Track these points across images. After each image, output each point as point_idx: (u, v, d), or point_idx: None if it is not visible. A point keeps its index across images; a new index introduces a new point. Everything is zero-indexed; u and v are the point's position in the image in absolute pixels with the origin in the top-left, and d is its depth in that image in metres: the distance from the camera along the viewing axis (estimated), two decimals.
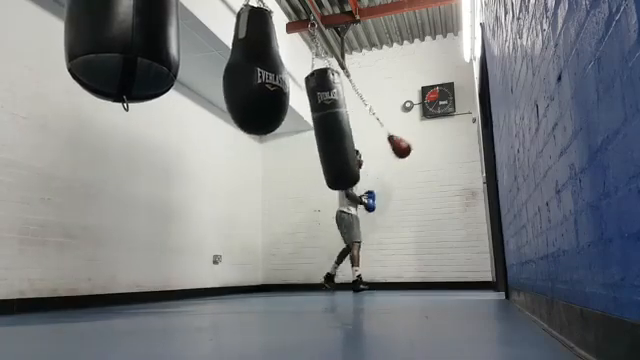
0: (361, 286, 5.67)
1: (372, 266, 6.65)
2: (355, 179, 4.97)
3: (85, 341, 1.85)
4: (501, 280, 4.23)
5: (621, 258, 0.87)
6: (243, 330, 2.15)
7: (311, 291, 6.50)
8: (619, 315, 0.90)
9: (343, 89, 4.94)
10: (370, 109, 5.98)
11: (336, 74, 4.86)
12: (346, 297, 4.79)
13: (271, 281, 7.19)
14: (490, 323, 2.38)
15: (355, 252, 5.75)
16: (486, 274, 5.93)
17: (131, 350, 1.59)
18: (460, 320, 2.47)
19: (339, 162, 4.81)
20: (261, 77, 3.27)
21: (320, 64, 4.99)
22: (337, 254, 5.96)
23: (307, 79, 4.87)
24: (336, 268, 5.92)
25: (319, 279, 6.90)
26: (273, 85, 3.31)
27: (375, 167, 6.49)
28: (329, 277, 5.92)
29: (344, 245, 5.95)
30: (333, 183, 4.95)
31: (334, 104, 4.72)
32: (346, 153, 4.79)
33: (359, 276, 5.70)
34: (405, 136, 6.71)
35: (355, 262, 5.72)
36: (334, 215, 6.00)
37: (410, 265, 6.33)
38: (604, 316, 1.00)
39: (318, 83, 4.74)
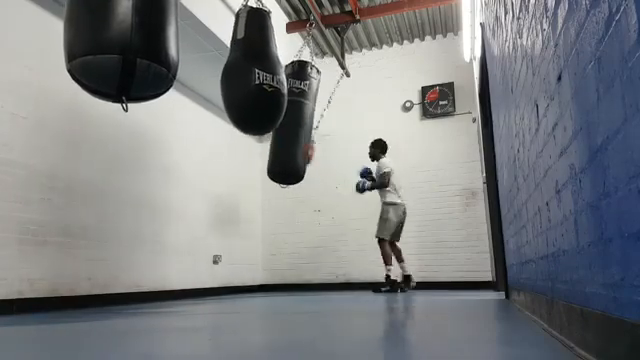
0: (383, 288, 5.48)
1: (372, 266, 6.65)
2: (299, 176, 4.65)
3: (85, 341, 1.85)
4: (501, 280, 4.23)
5: (621, 258, 0.87)
6: (243, 330, 2.15)
7: (311, 291, 6.50)
8: (619, 315, 0.90)
9: (318, 87, 4.83)
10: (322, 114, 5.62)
11: (315, 70, 4.78)
12: (349, 297, 4.78)
13: (271, 281, 7.19)
14: (490, 323, 2.38)
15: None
16: (486, 274, 5.93)
17: (131, 350, 1.58)
18: (460, 320, 2.47)
19: (286, 153, 4.56)
20: (259, 78, 3.28)
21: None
22: (395, 257, 5.53)
23: (285, 67, 4.77)
24: (404, 267, 5.51)
25: (319, 279, 6.92)
26: (271, 86, 3.31)
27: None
28: (406, 278, 5.49)
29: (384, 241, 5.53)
30: (272, 173, 4.64)
31: (302, 94, 4.59)
32: (297, 146, 4.55)
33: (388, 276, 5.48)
34: (404, 136, 6.74)
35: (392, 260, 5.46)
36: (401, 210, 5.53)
37: (410, 265, 6.28)
38: (604, 316, 1.00)
39: (293, 71, 4.67)
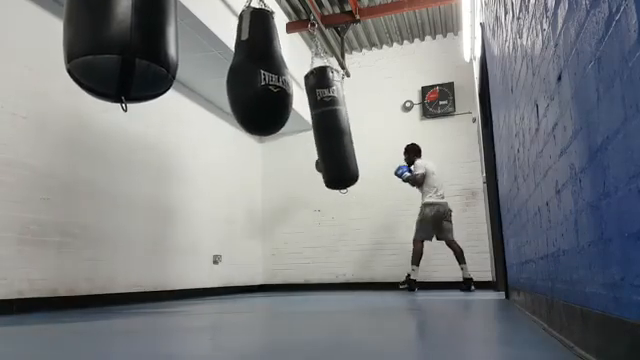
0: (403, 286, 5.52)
1: (372, 266, 6.65)
2: (354, 178, 4.85)
3: (85, 341, 1.85)
4: (501, 280, 4.23)
5: (621, 258, 0.87)
6: (243, 330, 2.15)
7: (311, 291, 6.50)
8: (619, 315, 0.90)
9: (342, 88, 4.94)
10: None
11: (335, 72, 4.86)
12: (349, 297, 4.78)
13: (271, 281, 7.19)
14: (490, 323, 2.38)
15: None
16: (486, 274, 5.93)
17: (130, 350, 1.58)
18: (460, 320, 2.47)
19: (337, 161, 4.77)
20: (264, 79, 3.29)
21: (319, 64, 4.99)
22: (456, 258, 5.41)
23: (306, 77, 4.87)
24: (465, 269, 5.37)
25: (319, 279, 6.92)
26: (276, 87, 3.33)
27: (375, 167, 6.49)
28: (468, 280, 5.34)
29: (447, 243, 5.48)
30: (330, 182, 4.89)
31: (333, 101, 4.72)
32: (344, 151, 4.75)
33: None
34: (404, 136, 6.74)
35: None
36: (435, 211, 5.40)
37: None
38: (604, 316, 1.00)
39: (317, 80, 4.75)
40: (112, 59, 2.11)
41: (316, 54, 5.05)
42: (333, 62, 6.57)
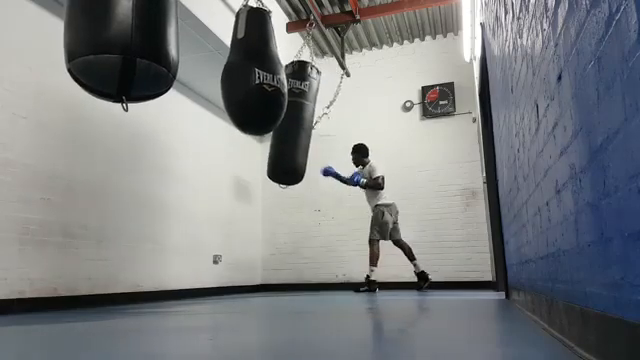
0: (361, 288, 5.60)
1: None
2: (299, 176, 4.67)
3: (85, 341, 1.85)
4: (501, 280, 4.23)
5: (621, 258, 0.87)
6: (243, 330, 2.15)
7: (311, 291, 6.50)
8: (619, 315, 0.90)
9: (318, 87, 4.84)
10: (326, 112, 5.66)
11: (315, 70, 4.79)
12: (349, 297, 4.78)
13: (271, 281, 7.19)
14: (490, 323, 2.38)
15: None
16: (486, 274, 5.93)
17: (131, 350, 1.58)
18: (460, 320, 2.47)
19: (286, 153, 4.60)
20: (259, 77, 3.28)
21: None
22: (406, 256, 5.53)
23: (286, 66, 4.78)
24: (417, 264, 5.48)
25: (319, 279, 6.92)
26: (271, 86, 3.32)
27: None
28: (422, 273, 5.46)
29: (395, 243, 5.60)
30: (272, 173, 4.66)
31: (302, 94, 4.62)
32: (297, 146, 4.60)
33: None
34: (404, 136, 6.74)
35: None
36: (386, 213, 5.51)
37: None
38: (604, 316, 1.00)
39: (293, 71, 4.69)
40: (113, 59, 2.11)
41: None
42: (333, 62, 6.57)
